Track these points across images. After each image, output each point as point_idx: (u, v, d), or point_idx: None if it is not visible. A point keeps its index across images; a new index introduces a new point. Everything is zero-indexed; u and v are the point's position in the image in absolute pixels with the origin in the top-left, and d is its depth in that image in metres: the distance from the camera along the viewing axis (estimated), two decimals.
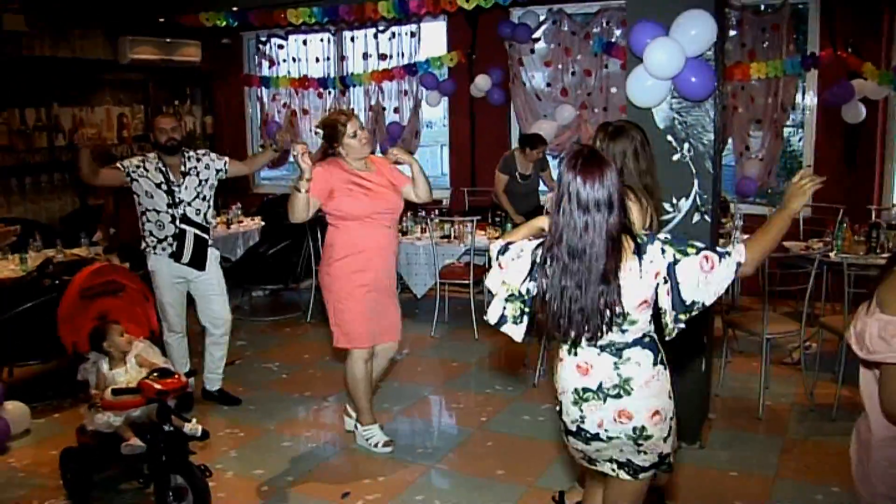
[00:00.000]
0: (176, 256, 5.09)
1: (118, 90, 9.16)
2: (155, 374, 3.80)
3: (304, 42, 9.93)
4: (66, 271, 5.31)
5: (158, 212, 5.05)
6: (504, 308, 2.66)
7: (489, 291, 2.73)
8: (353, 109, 4.57)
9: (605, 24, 8.34)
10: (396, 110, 9.55)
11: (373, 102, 9.68)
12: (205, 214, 5.19)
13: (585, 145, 2.63)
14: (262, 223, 8.16)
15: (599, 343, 2.55)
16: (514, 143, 9.19)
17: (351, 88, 9.78)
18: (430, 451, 4.72)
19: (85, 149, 4.92)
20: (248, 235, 7.97)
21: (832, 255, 5.67)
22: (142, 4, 7.93)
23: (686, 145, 4.40)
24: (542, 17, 8.61)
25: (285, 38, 9.99)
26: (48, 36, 8.31)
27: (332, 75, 9.82)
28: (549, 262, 2.51)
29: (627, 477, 2.68)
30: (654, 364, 2.60)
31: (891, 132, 7.41)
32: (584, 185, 2.42)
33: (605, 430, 2.58)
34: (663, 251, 2.51)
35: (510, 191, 7.61)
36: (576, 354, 2.60)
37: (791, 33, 7.54)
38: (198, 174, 5.16)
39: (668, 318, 2.54)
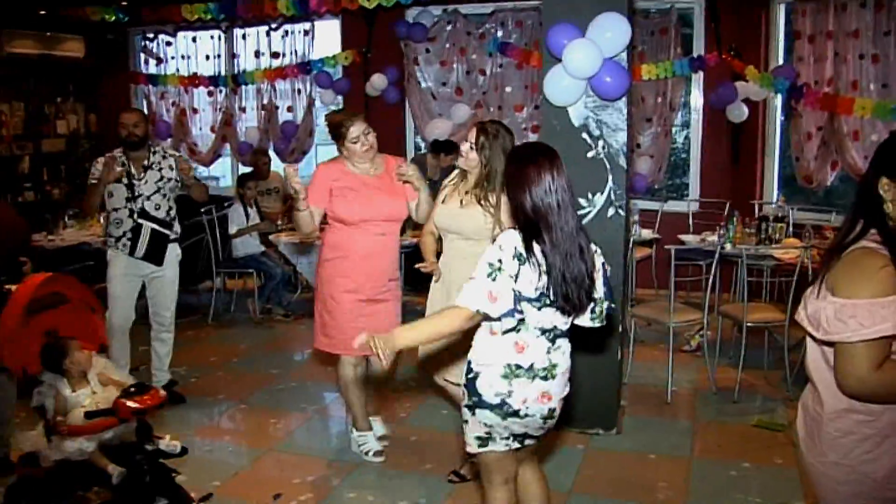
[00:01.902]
0: (131, 250, 5.04)
1: None
2: (131, 391, 3.53)
3: (194, 39, 9.66)
4: None
5: (117, 209, 5.03)
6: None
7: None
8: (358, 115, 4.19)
9: (499, 24, 8.50)
10: (290, 109, 9.45)
11: (265, 101, 9.54)
12: (167, 211, 5.15)
13: (536, 143, 2.99)
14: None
15: (540, 326, 2.73)
16: (410, 142, 9.29)
17: (243, 87, 9.61)
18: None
19: (104, 184, 4.95)
20: None
21: (728, 246, 5.98)
22: None
23: (601, 143, 4.59)
24: (436, 17, 8.70)
25: (173, 35, 9.69)
26: None
27: (223, 73, 9.62)
28: (537, 249, 2.65)
29: (530, 442, 2.95)
30: (570, 355, 2.87)
31: (770, 131, 7.85)
32: (558, 173, 2.70)
33: (527, 407, 2.77)
34: (596, 248, 2.86)
35: None
36: (517, 332, 2.74)
37: (678, 37, 7.91)
38: (160, 170, 5.10)
39: (603, 306, 2.85)
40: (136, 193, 5.01)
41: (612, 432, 4.79)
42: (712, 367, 5.57)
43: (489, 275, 2.65)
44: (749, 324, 5.37)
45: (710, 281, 5.34)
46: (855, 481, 2.22)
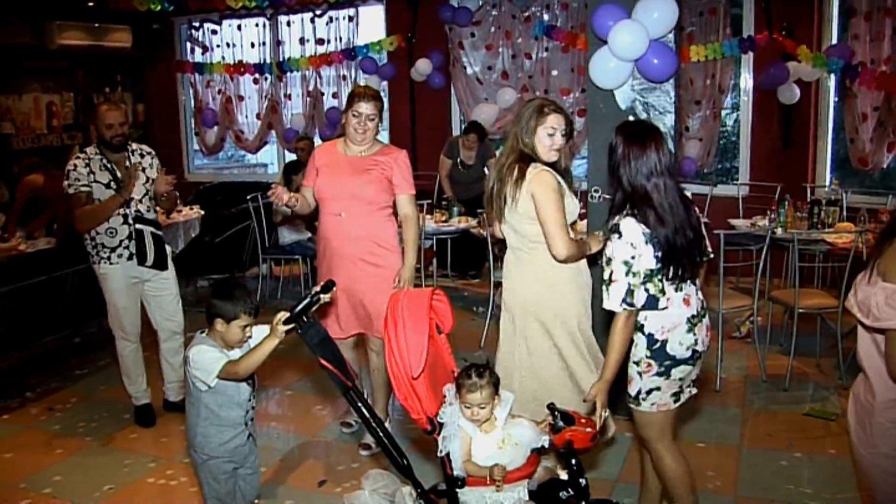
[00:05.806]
0: (140, 259, 4.66)
1: (46, 77, 8.83)
2: (554, 420, 2.90)
3: (239, 27, 9.75)
4: None
5: (108, 217, 4.60)
6: (647, 289, 2.94)
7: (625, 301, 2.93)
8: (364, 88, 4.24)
9: (545, 7, 8.41)
10: (335, 95, 9.48)
11: (311, 88, 9.59)
12: (155, 212, 4.83)
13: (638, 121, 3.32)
14: (202, 212, 7.99)
15: (690, 277, 3.05)
16: (456, 128, 9.25)
17: (288, 74, 9.67)
18: (401, 436, 4.69)
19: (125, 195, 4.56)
20: (189, 225, 7.79)
21: (779, 231, 5.85)
22: None
23: None
24: (481, 1, 8.65)
25: (219, 23, 9.79)
26: None
27: (268, 61, 9.69)
28: (655, 223, 2.90)
29: (695, 390, 3.30)
30: None
31: (823, 113, 7.65)
32: (659, 152, 2.99)
33: (704, 346, 3.11)
34: None
35: (452, 177, 7.73)
36: (681, 290, 3.02)
37: (727, 17, 7.74)
38: (143, 170, 4.70)
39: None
40: (128, 198, 4.60)
41: None
42: (762, 355, 5.46)
43: (627, 273, 2.89)
44: (801, 310, 5.24)
45: (761, 266, 5.23)
46: None
